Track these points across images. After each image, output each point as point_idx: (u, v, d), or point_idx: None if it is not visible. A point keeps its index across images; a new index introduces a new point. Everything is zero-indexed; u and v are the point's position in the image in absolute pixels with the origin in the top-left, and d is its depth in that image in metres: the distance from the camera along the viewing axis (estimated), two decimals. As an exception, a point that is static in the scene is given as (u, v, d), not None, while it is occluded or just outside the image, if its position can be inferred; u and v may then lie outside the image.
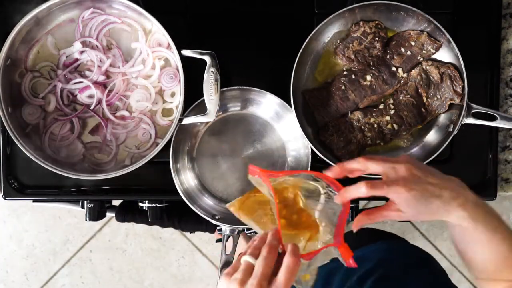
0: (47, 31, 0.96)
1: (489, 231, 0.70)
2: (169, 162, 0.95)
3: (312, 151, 0.94)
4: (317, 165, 0.95)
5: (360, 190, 0.69)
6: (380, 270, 0.94)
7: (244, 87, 0.95)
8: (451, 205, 0.69)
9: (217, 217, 0.96)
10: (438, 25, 0.90)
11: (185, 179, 0.99)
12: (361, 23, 0.95)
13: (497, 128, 1.01)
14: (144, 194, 1.05)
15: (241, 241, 1.85)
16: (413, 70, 0.96)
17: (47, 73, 0.97)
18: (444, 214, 0.69)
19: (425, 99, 0.96)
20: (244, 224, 0.94)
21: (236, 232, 0.96)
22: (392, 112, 0.96)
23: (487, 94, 1.02)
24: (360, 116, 0.96)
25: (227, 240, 0.96)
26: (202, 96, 0.90)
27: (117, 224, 1.97)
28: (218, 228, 1.02)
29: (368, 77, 0.96)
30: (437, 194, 0.68)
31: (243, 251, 0.69)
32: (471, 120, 0.92)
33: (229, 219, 0.97)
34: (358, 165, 0.71)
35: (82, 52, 0.96)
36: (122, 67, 0.96)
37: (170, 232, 1.98)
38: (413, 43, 0.95)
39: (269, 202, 0.74)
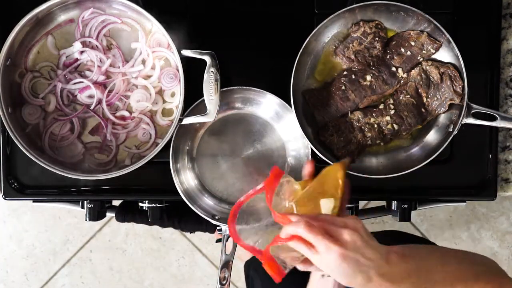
0: (47, 31, 0.96)
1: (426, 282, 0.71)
2: (169, 162, 0.95)
3: (312, 151, 0.94)
4: (317, 165, 0.95)
5: (297, 230, 0.70)
6: None
7: (244, 87, 0.95)
8: (373, 278, 0.68)
9: (217, 217, 0.96)
10: (438, 25, 0.90)
11: (185, 179, 0.99)
12: (361, 23, 0.95)
13: (497, 128, 1.01)
14: (144, 194, 1.05)
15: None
16: (413, 70, 0.96)
17: (47, 73, 0.97)
18: (364, 286, 0.69)
19: (425, 99, 0.96)
20: None
21: None
22: (392, 112, 0.96)
23: (487, 94, 1.02)
24: (360, 116, 0.96)
25: (227, 240, 0.96)
26: (202, 96, 0.90)
27: (117, 224, 1.97)
28: (218, 228, 1.02)
29: (368, 77, 0.96)
30: (365, 270, 0.68)
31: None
32: (471, 120, 0.91)
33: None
34: (302, 220, 0.70)
35: (82, 52, 0.96)
36: (122, 67, 0.96)
37: (170, 232, 1.98)
38: (413, 43, 0.95)
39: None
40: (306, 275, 0.86)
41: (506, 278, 0.77)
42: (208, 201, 1.00)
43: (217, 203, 1.00)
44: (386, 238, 1.22)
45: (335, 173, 0.80)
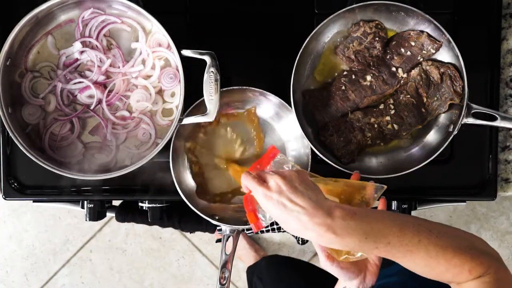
0: (47, 31, 0.96)
1: (377, 243, 0.69)
2: (169, 162, 0.95)
3: (312, 151, 0.94)
4: (317, 165, 0.95)
5: (242, 180, 0.75)
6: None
7: (244, 87, 0.95)
8: (307, 225, 0.69)
9: (217, 217, 0.96)
10: (438, 25, 0.90)
11: (185, 179, 0.99)
12: (361, 23, 0.95)
13: (497, 128, 1.01)
14: (144, 194, 1.05)
15: (242, 241, 1.85)
16: (413, 70, 0.96)
17: (47, 73, 0.97)
18: (304, 234, 0.70)
19: (425, 99, 0.96)
20: (245, 224, 0.94)
21: (236, 232, 0.96)
22: (393, 112, 0.96)
23: (487, 94, 1.02)
24: (360, 116, 0.96)
25: (227, 240, 0.96)
26: (202, 96, 0.90)
27: (117, 224, 1.97)
28: (218, 228, 1.02)
29: (368, 77, 0.96)
30: (295, 215, 0.69)
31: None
32: (471, 120, 0.91)
33: (229, 219, 0.97)
34: (245, 182, 0.74)
35: (82, 52, 0.96)
36: (122, 67, 0.96)
37: (170, 232, 1.98)
38: (413, 43, 0.95)
39: None
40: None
41: (485, 256, 0.74)
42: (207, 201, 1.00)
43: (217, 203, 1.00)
44: None
45: (370, 190, 0.81)
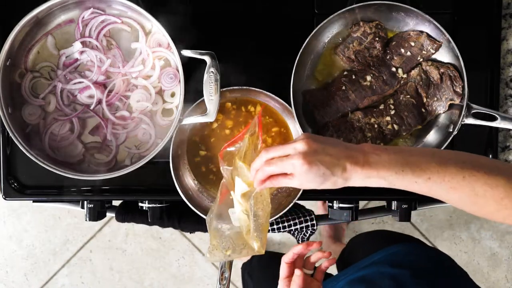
0: (47, 31, 0.96)
1: (415, 177, 0.67)
2: (169, 162, 0.95)
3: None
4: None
5: (260, 159, 0.74)
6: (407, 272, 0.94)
7: (244, 87, 0.95)
8: (351, 171, 0.69)
9: None
10: (438, 25, 0.90)
11: (185, 179, 0.99)
12: (361, 23, 0.95)
13: (497, 128, 1.01)
14: (144, 194, 1.05)
15: None
16: (412, 71, 0.96)
17: (47, 73, 0.97)
18: (346, 182, 0.71)
19: (425, 100, 0.96)
20: None
21: None
22: (393, 112, 0.96)
23: (487, 94, 1.02)
24: (360, 116, 0.96)
25: None
26: (202, 96, 0.90)
27: (117, 224, 1.97)
28: None
29: (368, 78, 0.96)
30: (335, 163, 0.70)
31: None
32: (471, 120, 0.91)
33: None
34: (261, 161, 0.75)
35: (82, 52, 0.96)
36: (122, 68, 0.96)
37: (170, 232, 1.98)
38: (412, 44, 0.95)
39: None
40: None
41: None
42: (207, 201, 1.00)
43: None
44: (374, 237, 1.23)
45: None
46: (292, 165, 0.71)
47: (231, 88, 0.95)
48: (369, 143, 0.71)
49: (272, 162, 0.73)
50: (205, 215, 0.96)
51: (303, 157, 0.70)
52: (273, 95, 0.95)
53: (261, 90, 0.95)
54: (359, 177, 0.70)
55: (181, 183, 0.97)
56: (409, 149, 0.72)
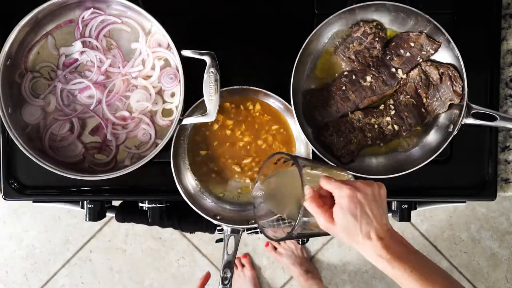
0: (47, 31, 0.96)
1: (418, 285, 0.71)
2: (169, 162, 0.95)
3: (312, 151, 0.94)
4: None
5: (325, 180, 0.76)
6: None
7: (245, 87, 0.95)
8: (371, 234, 0.72)
9: (218, 217, 0.96)
10: (438, 25, 0.90)
11: (185, 179, 0.99)
12: (361, 23, 0.95)
13: (497, 128, 1.01)
14: (144, 194, 1.05)
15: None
16: (412, 71, 0.96)
17: (47, 73, 0.97)
18: (363, 241, 0.73)
19: (424, 100, 0.96)
20: (246, 223, 0.94)
21: (239, 232, 0.96)
22: (393, 112, 0.97)
23: (487, 94, 1.02)
24: (360, 116, 0.96)
25: (228, 240, 0.96)
26: (202, 96, 0.90)
27: (117, 224, 1.97)
28: (218, 228, 1.02)
29: (368, 78, 0.96)
30: (369, 222, 0.72)
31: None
32: (471, 120, 0.91)
33: (230, 219, 0.97)
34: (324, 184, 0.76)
35: (82, 52, 0.96)
36: (122, 68, 0.96)
37: (170, 232, 1.98)
38: (412, 44, 0.95)
39: None
40: None
41: None
42: (208, 201, 1.00)
43: (216, 202, 1.00)
44: None
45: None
46: (339, 187, 0.73)
47: (230, 88, 0.95)
48: (403, 238, 0.76)
49: (330, 180, 0.75)
50: (206, 215, 0.96)
51: (352, 189, 0.73)
52: (274, 95, 0.95)
53: (260, 90, 0.95)
54: (373, 250, 0.72)
55: (181, 183, 0.97)
56: (424, 256, 0.75)
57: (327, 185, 0.75)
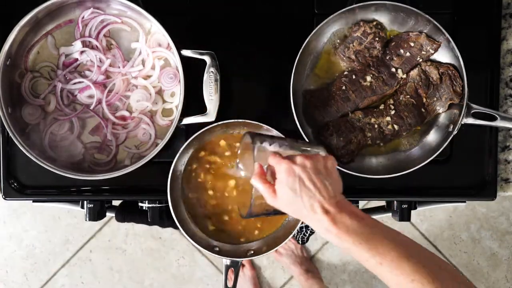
0: (47, 31, 0.96)
1: (369, 256, 0.69)
2: (169, 162, 0.95)
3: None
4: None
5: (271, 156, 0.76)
6: None
7: (241, 120, 0.92)
8: (315, 207, 0.71)
9: (216, 249, 0.96)
10: (438, 25, 0.90)
11: (181, 206, 0.98)
12: (361, 23, 0.95)
13: (497, 128, 1.01)
14: (144, 194, 1.05)
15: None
16: (412, 71, 0.96)
17: (47, 73, 0.97)
18: (308, 215, 0.72)
19: (424, 100, 0.96)
20: (245, 255, 0.94)
21: (238, 264, 0.95)
22: (393, 112, 0.97)
23: (487, 94, 1.02)
24: (361, 116, 0.96)
25: (226, 271, 0.95)
26: (202, 96, 0.90)
27: (117, 224, 1.97)
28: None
29: (368, 78, 0.96)
30: (311, 195, 0.72)
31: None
32: (471, 120, 0.92)
33: (229, 251, 0.96)
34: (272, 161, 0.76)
35: (82, 52, 0.96)
36: (122, 67, 0.96)
37: (170, 232, 1.98)
38: (412, 44, 0.95)
39: None
40: None
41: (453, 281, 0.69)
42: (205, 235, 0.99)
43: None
44: None
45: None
46: (278, 161, 0.73)
47: (226, 121, 0.92)
48: (353, 205, 0.74)
49: (274, 155, 0.75)
50: (203, 247, 0.95)
51: (289, 163, 0.73)
52: (269, 127, 0.92)
53: (257, 123, 0.92)
54: (320, 224, 0.72)
55: (179, 217, 0.96)
56: (381, 227, 0.73)
57: (271, 161, 0.75)
